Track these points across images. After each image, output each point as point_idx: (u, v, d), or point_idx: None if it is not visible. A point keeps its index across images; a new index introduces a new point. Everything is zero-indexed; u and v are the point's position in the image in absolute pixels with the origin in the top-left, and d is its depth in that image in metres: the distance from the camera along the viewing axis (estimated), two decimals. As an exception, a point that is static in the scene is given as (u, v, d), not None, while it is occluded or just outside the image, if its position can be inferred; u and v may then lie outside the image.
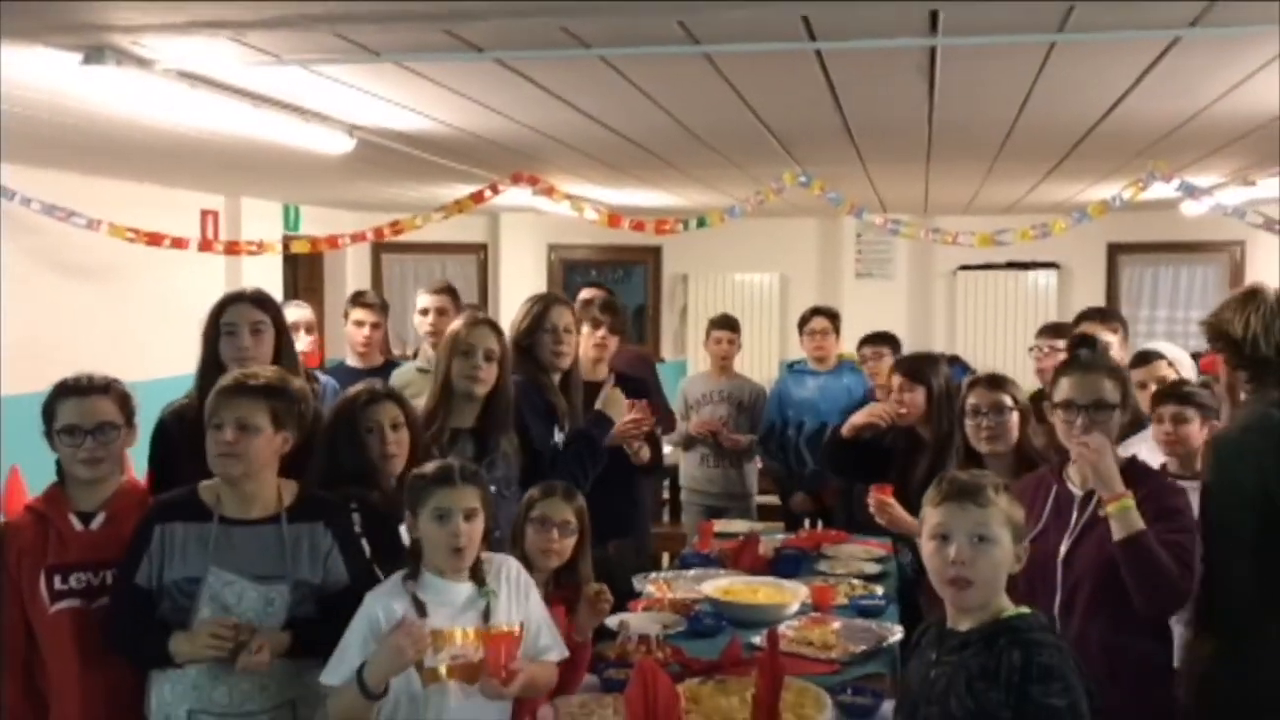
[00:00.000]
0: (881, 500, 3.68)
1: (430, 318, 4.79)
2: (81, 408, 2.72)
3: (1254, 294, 2.77)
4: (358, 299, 5.00)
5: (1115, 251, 9.02)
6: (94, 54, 3.03)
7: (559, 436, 3.71)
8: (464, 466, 2.58)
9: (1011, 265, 8.81)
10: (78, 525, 2.74)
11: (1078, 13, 2.73)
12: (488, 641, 2.44)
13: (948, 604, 2.14)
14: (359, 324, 4.86)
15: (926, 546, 2.14)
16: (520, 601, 2.60)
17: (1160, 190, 5.32)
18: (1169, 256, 8.99)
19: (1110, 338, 4.19)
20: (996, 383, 3.52)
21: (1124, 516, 2.62)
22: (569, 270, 9.93)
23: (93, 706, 2.70)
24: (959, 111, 4.16)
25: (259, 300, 3.26)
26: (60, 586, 2.69)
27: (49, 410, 2.75)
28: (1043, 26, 2.90)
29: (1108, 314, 4.49)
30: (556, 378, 3.80)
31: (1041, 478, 2.97)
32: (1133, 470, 2.78)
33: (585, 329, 4.24)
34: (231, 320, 3.18)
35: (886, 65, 3.40)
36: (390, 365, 4.77)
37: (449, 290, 4.99)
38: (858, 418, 4.30)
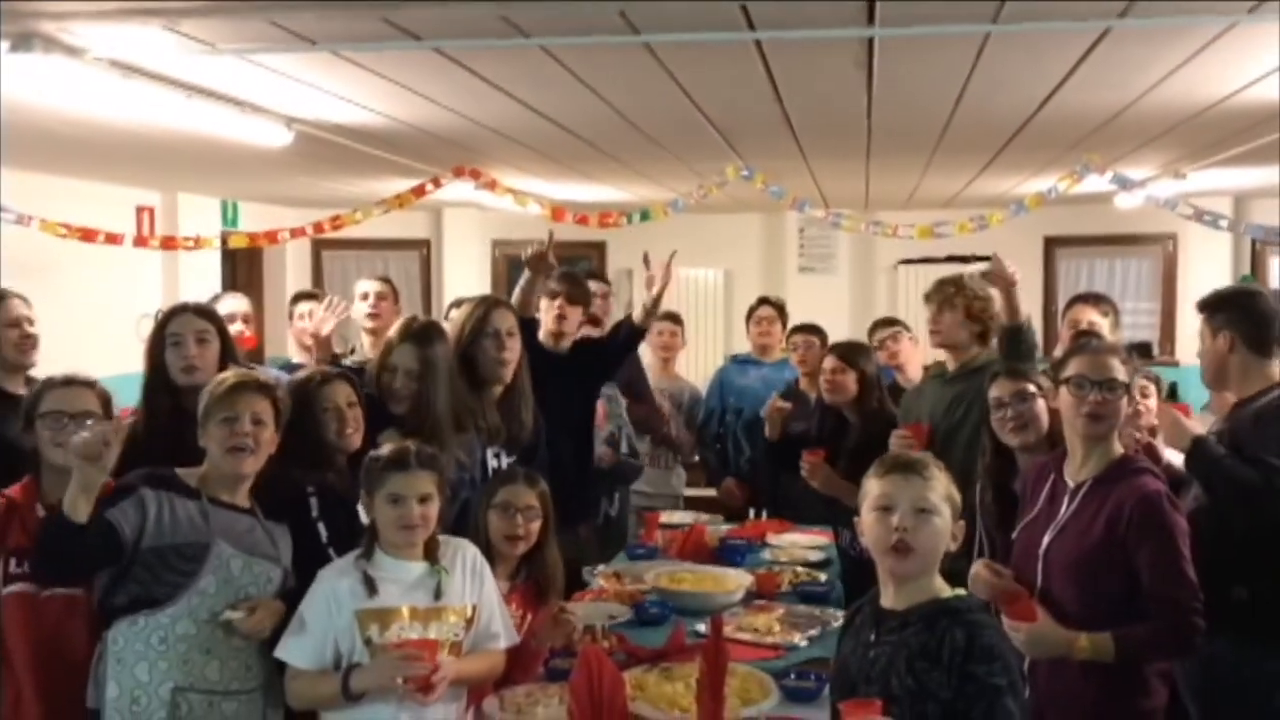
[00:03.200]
0: (814, 463, 3.78)
1: (371, 301, 4.75)
2: (67, 395, 2.86)
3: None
4: (303, 295, 4.99)
5: (1051, 245, 9.17)
6: (21, 41, 2.96)
7: (492, 458, 3.62)
8: (420, 450, 2.62)
9: (951, 259, 8.89)
10: (42, 512, 2.77)
11: (1011, 4, 2.77)
12: (415, 647, 2.46)
13: (884, 576, 2.18)
14: (302, 317, 4.80)
15: (868, 518, 2.18)
16: (474, 585, 2.63)
17: (1095, 183, 5.43)
18: (1104, 250, 9.15)
19: (1101, 320, 4.28)
20: (1017, 372, 3.47)
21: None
22: (513, 266, 9.88)
23: (45, 691, 2.72)
24: (897, 104, 4.21)
25: (202, 311, 3.34)
26: (15, 570, 2.73)
27: (33, 402, 2.86)
28: (977, 17, 2.94)
29: (1099, 298, 4.49)
30: (498, 391, 3.69)
31: (1044, 465, 2.94)
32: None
33: (544, 302, 4.25)
34: (177, 331, 3.22)
35: (826, 57, 3.42)
36: (335, 362, 4.71)
37: (388, 280, 5.00)
38: (768, 414, 4.59)
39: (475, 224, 9.36)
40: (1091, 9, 2.87)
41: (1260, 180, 6.73)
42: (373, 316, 4.69)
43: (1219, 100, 4.06)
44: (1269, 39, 3.08)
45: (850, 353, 4.42)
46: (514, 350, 3.68)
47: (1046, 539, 2.75)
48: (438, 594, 2.54)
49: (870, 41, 3.21)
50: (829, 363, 4.41)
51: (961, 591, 2.17)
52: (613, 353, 4.34)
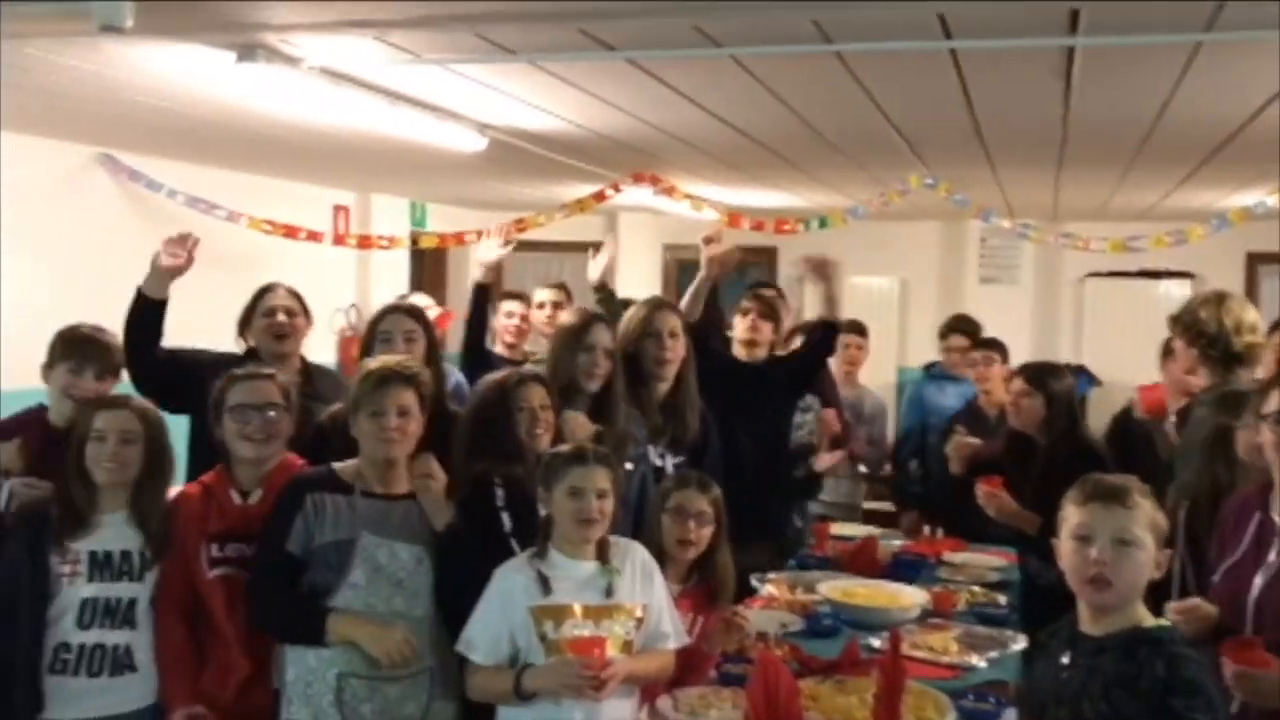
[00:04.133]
0: (990, 491, 3.67)
1: (547, 311, 5.02)
2: (251, 389, 2.98)
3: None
4: (509, 295, 5.23)
5: (1255, 261, 8.65)
6: (247, 52, 3.17)
7: (656, 457, 3.65)
8: (597, 449, 2.70)
9: (1143, 274, 8.53)
10: (237, 499, 2.96)
11: (1228, 11, 2.65)
12: (574, 649, 2.50)
13: (1083, 605, 2.12)
14: (509, 315, 5.08)
15: (1066, 546, 2.12)
16: (644, 585, 2.66)
17: (1307, 197, 5.12)
18: (1314, 268, 8.60)
19: None
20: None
21: None
22: (683, 270, 9.95)
23: (237, 669, 2.87)
24: (1095, 114, 4.06)
25: (412, 311, 3.57)
26: (217, 554, 2.89)
27: (220, 397, 2.99)
28: (1189, 25, 2.82)
29: None
30: (662, 391, 3.72)
31: (1246, 500, 2.72)
32: None
33: (736, 317, 4.56)
34: (387, 329, 3.45)
35: (1022, 66, 3.34)
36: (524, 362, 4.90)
37: (563, 286, 5.25)
38: (952, 450, 4.36)
39: (648, 228, 9.45)
40: (1317, 14, 2.71)
41: None
42: (550, 322, 4.87)
43: None
44: None
45: (1038, 374, 4.19)
46: (676, 351, 3.73)
47: (1258, 584, 2.52)
48: (609, 592, 2.59)
49: (1071, 49, 3.11)
50: (1016, 385, 4.20)
51: (1164, 622, 2.10)
52: (810, 362, 4.33)
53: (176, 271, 3.50)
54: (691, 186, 6.48)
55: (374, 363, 2.92)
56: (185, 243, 3.50)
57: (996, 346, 5.17)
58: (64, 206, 5.29)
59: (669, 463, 3.65)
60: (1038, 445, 4.12)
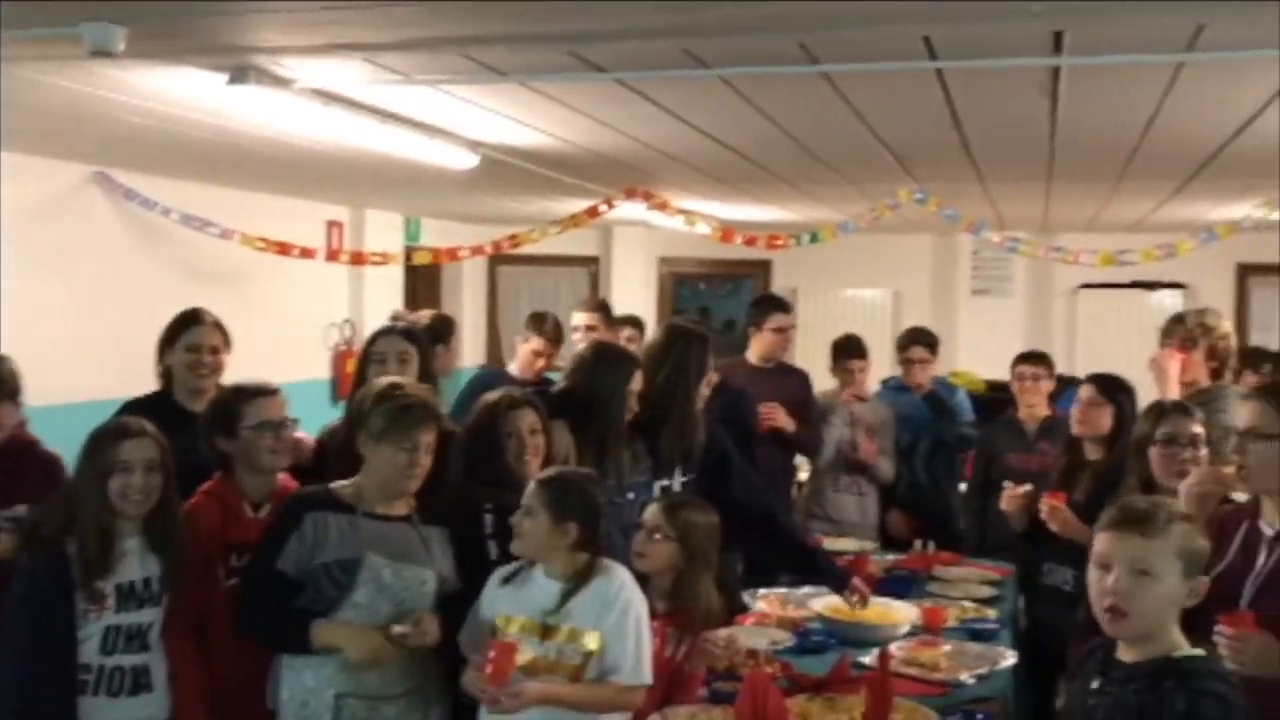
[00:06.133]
0: (1054, 506, 3.59)
1: (581, 334, 5.11)
2: (271, 405, 3.03)
3: None
4: (540, 327, 5.14)
5: (1245, 272, 8.71)
6: (239, 74, 3.19)
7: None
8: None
9: (1136, 285, 8.56)
10: (250, 512, 2.99)
11: (1209, 31, 2.68)
12: (489, 646, 2.54)
13: (1106, 631, 2.09)
14: (537, 354, 5.07)
15: (1091, 573, 2.08)
16: (602, 612, 2.60)
17: (1294, 210, 5.15)
18: (1304, 278, 8.64)
19: None
20: (1189, 410, 3.31)
21: None
22: (679, 284, 9.99)
23: (237, 682, 2.87)
24: (1082, 130, 4.09)
25: (406, 333, 3.63)
26: (236, 564, 2.91)
27: (230, 411, 3.00)
28: (1171, 46, 2.84)
29: None
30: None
31: (1237, 511, 2.72)
32: None
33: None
34: (381, 350, 3.52)
35: (1009, 84, 3.37)
36: (547, 382, 4.81)
37: (600, 307, 5.37)
38: (1008, 505, 3.95)
39: (643, 242, 9.49)
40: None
41: None
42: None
43: None
44: None
45: (1110, 385, 4.02)
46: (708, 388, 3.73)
47: (1248, 593, 2.52)
48: (559, 611, 2.61)
49: (1056, 69, 3.14)
50: (1085, 393, 4.01)
51: (1199, 652, 2.04)
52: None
53: None
54: (684, 201, 6.51)
55: (402, 391, 2.86)
56: None
57: (1044, 361, 5.02)
58: (60, 225, 5.31)
59: (676, 482, 3.62)
60: (1088, 459, 3.97)
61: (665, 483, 3.54)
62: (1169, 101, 3.50)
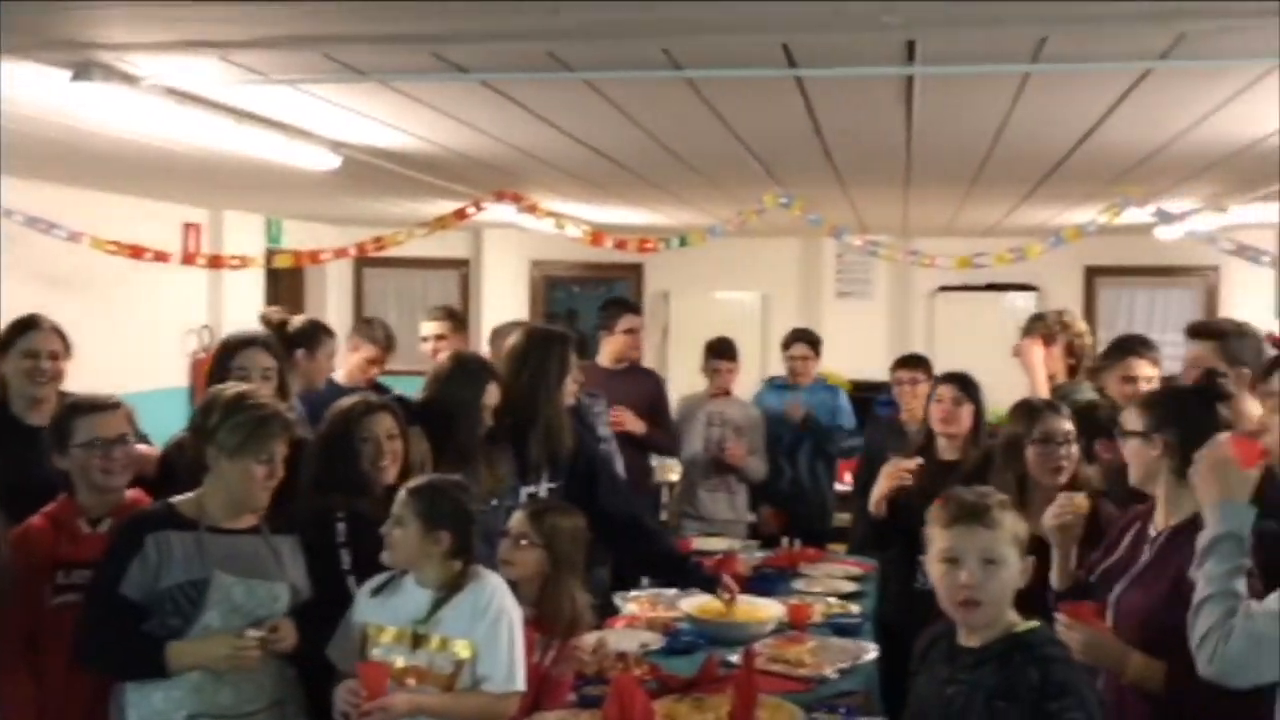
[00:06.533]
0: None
1: (430, 344, 5.01)
2: (102, 422, 2.92)
3: None
4: (370, 334, 5.08)
5: (1092, 274, 9.12)
6: (83, 70, 3.06)
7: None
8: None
9: (991, 287, 8.88)
10: (86, 529, 2.88)
11: (1051, 43, 2.79)
12: (360, 670, 2.52)
13: (958, 622, 2.18)
14: (371, 362, 4.98)
15: (935, 569, 2.16)
16: (474, 620, 2.58)
17: (1135, 215, 5.41)
18: (1145, 280, 9.08)
19: (1153, 371, 3.92)
20: (1058, 408, 3.40)
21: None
22: (551, 286, 9.96)
23: (77, 706, 2.76)
24: (937, 137, 4.23)
25: (267, 345, 3.53)
26: (63, 581, 2.80)
27: (64, 428, 2.90)
28: (1017, 56, 2.96)
29: (1146, 344, 4.05)
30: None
31: (1136, 512, 2.77)
32: None
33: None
34: (243, 365, 3.39)
35: (865, 92, 3.46)
36: (379, 389, 4.72)
37: (449, 315, 5.25)
38: (880, 489, 3.79)
39: (514, 244, 9.43)
40: (1133, 49, 2.88)
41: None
42: (435, 355, 4.81)
43: (1262, 138, 4.05)
44: (1312, 81, 3.08)
45: (968, 383, 4.03)
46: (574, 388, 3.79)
47: (1119, 588, 2.61)
48: (430, 620, 2.58)
49: (910, 78, 3.24)
50: (948, 392, 3.99)
51: (1034, 623, 2.16)
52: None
53: None
54: (554, 204, 6.50)
55: (253, 401, 2.77)
56: None
57: (922, 365, 5.11)
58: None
59: (543, 488, 3.62)
60: (942, 460, 3.93)
61: (532, 489, 3.53)
62: (1017, 111, 3.64)
